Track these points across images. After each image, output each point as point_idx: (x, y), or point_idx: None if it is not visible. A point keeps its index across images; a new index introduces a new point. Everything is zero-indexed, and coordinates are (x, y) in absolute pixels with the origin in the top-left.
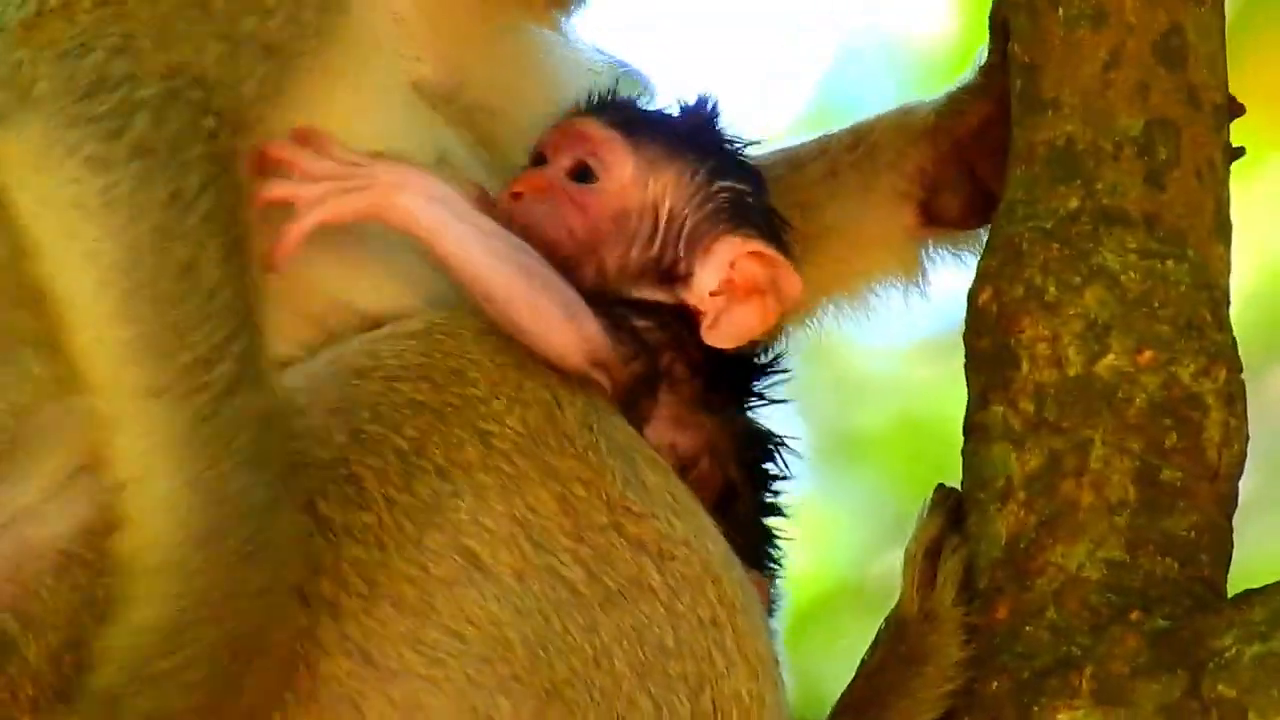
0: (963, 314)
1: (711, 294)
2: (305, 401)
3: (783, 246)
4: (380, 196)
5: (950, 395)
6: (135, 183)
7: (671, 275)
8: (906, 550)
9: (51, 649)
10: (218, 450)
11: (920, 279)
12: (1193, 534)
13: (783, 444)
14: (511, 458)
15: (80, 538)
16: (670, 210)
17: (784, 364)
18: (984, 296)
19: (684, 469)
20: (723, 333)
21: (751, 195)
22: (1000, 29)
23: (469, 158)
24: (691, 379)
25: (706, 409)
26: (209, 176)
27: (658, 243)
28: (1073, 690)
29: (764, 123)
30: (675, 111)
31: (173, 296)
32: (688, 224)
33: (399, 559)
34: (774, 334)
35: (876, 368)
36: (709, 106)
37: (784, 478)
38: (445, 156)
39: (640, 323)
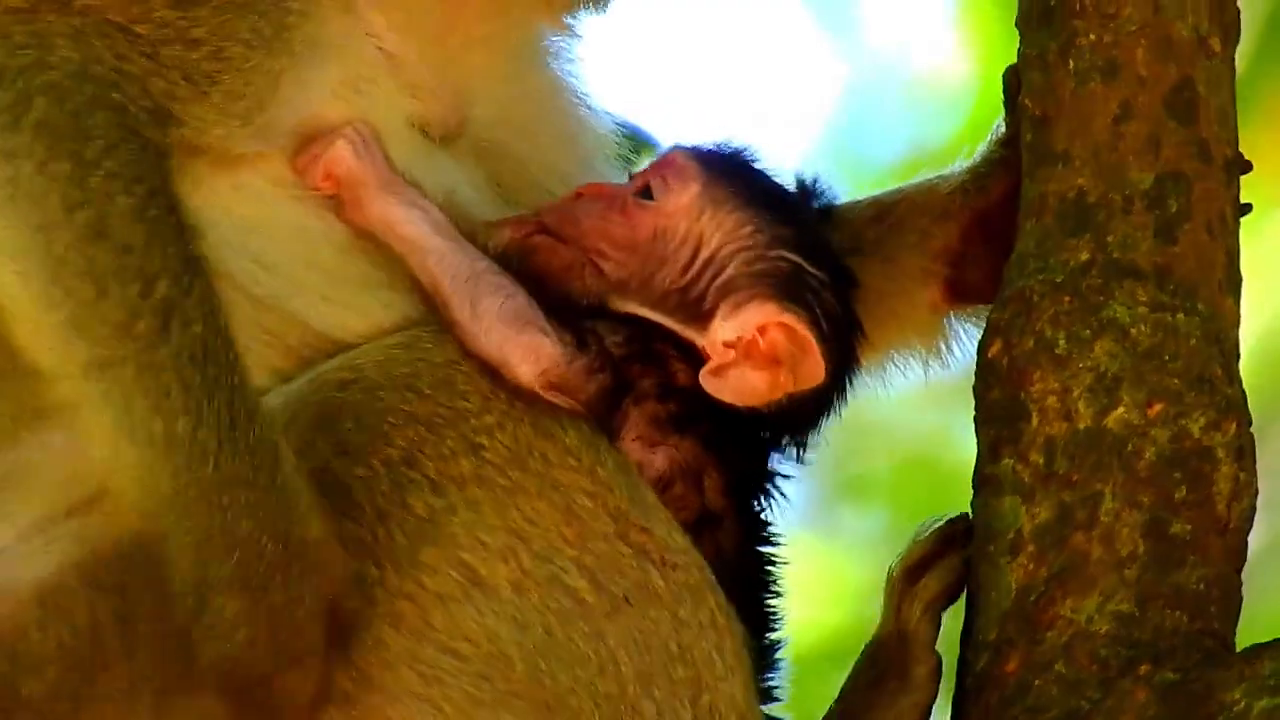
0: (968, 358)
1: (725, 344)
2: (285, 419)
3: (836, 341)
4: (349, 190)
5: (956, 439)
6: (38, 164)
7: (691, 310)
8: (889, 571)
9: (50, 681)
10: (161, 397)
11: (942, 352)
12: (1202, 587)
13: (774, 476)
14: (507, 471)
15: (68, 571)
16: (713, 250)
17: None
18: (994, 349)
19: (657, 491)
20: (724, 385)
21: (820, 284)
22: (1013, 96)
23: (477, 195)
24: (662, 399)
25: (678, 429)
26: (113, 139)
27: (689, 275)
28: None
29: (775, 156)
30: (790, 181)
31: (89, 262)
32: (727, 271)
33: (394, 574)
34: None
35: (881, 412)
36: (821, 190)
37: (772, 511)
38: (452, 195)
39: (612, 338)
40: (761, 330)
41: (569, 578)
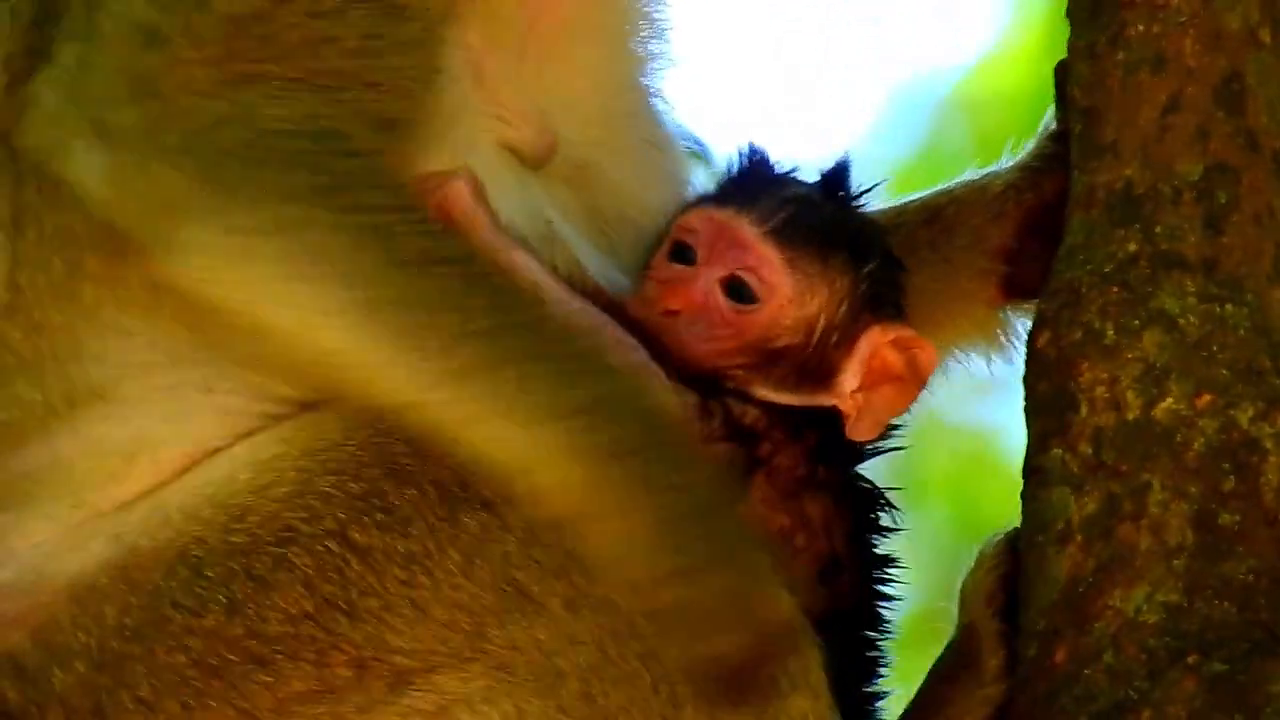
0: (1020, 355)
1: (853, 393)
2: (339, 438)
3: (905, 307)
4: (486, 238)
5: (1008, 434)
6: (329, 227)
7: (815, 379)
8: (963, 583)
9: (80, 675)
10: (557, 376)
11: (1003, 346)
12: (1251, 578)
13: (887, 502)
14: None
15: (103, 572)
16: (825, 323)
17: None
18: (1043, 340)
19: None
20: (866, 426)
21: (882, 269)
22: (1064, 90)
23: (574, 225)
24: (794, 467)
25: (804, 491)
26: (372, 181)
27: (806, 353)
28: None
29: (823, 152)
30: (810, 178)
31: (433, 290)
32: (836, 331)
33: (447, 587)
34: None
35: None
36: (843, 171)
37: (888, 536)
38: (551, 225)
39: (741, 413)
40: (874, 358)
41: (621, 597)
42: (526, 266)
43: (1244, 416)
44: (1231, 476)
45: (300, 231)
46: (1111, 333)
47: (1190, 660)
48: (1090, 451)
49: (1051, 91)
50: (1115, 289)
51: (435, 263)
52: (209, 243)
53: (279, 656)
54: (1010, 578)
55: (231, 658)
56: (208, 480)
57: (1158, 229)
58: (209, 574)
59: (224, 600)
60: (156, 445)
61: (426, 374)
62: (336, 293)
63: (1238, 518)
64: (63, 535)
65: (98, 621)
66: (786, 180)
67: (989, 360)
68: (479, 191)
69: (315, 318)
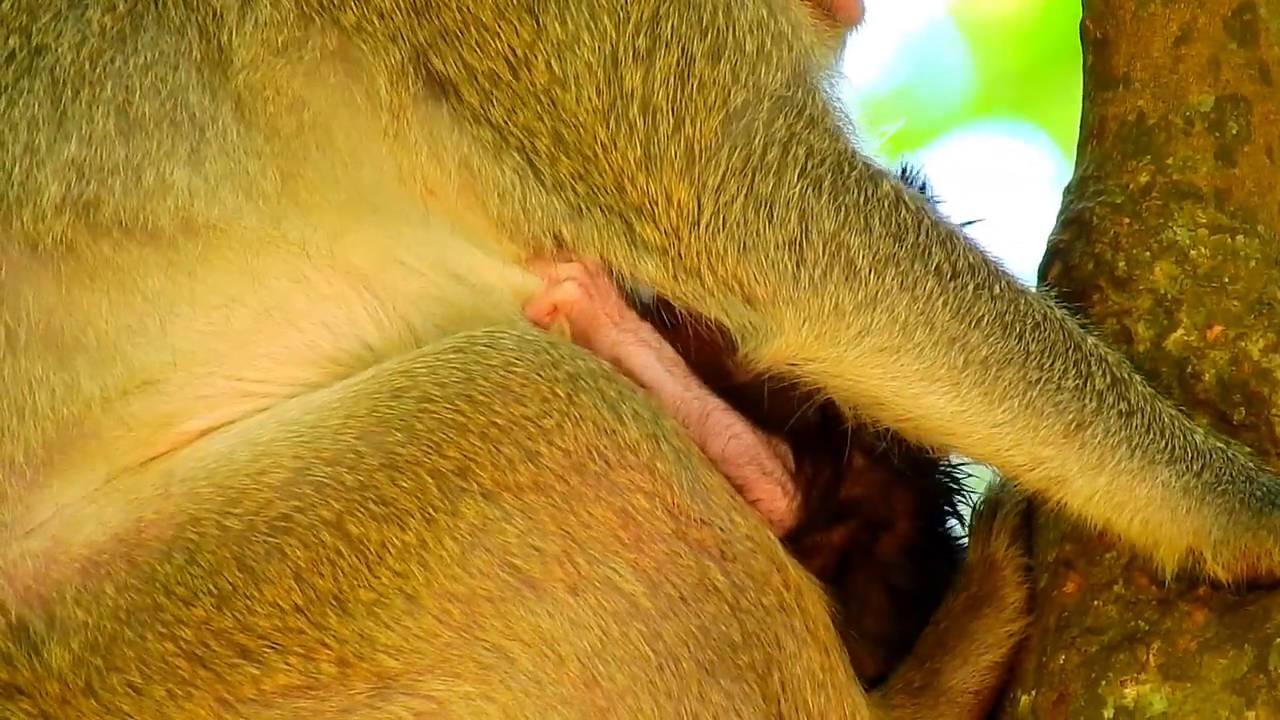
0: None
1: None
2: (338, 423)
3: None
4: (606, 334)
5: None
6: (897, 286)
7: None
8: (974, 510)
9: (74, 653)
10: (1155, 439)
11: None
12: None
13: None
14: (565, 477)
15: (111, 546)
16: None
17: None
18: (1054, 271)
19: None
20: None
21: None
22: None
23: None
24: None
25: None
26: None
27: None
28: (1140, 665)
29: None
30: None
31: (1017, 351)
32: None
33: (443, 578)
34: None
35: None
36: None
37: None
38: None
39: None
40: None
41: (624, 581)
42: (644, 359)
43: (1255, 348)
44: (1242, 408)
45: (874, 288)
46: (1123, 264)
47: (1200, 591)
48: None
49: (1053, 16)
50: (1127, 220)
51: (1043, 323)
52: (817, 310)
53: (268, 650)
54: (1028, 512)
55: (219, 649)
56: (209, 453)
57: (1169, 160)
58: (202, 561)
59: (214, 591)
60: (183, 419)
61: (1044, 429)
62: (937, 355)
63: (1247, 449)
64: (86, 500)
65: (97, 600)
66: None
67: None
68: (597, 281)
69: (918, 392)
